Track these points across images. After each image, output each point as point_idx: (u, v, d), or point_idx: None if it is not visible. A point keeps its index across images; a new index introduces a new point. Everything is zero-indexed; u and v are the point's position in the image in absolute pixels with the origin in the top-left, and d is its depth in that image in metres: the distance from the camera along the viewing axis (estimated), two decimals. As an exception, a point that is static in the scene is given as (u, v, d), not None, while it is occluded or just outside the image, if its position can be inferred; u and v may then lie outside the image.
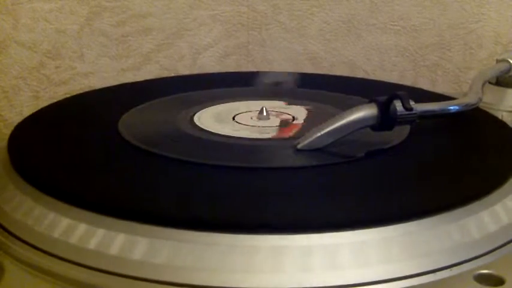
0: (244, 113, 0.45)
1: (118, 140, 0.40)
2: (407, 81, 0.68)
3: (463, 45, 0.69)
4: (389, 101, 0.37)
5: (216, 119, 0.44)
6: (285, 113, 0.45)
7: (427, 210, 0.30)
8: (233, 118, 0.44)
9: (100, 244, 0.28)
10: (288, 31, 0.67)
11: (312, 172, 0.35)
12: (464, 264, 0.29)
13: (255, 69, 0.66)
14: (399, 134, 0.40)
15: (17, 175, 0.35)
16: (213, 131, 0.41)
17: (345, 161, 0.36)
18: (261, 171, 0.35)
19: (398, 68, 0.69)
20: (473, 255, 0.29)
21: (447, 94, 0.51)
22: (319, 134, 0.37)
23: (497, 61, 0.52)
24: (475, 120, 0.44)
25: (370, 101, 0.38)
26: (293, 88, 0.53)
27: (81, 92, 0.56)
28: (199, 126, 0.42)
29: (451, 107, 0.42)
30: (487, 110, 0.47)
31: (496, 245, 0.30)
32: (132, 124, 0.42)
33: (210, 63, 0.66)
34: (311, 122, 0.43)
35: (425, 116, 0.40)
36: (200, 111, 0.46)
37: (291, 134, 0.41)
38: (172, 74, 0.65)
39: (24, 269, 0.29)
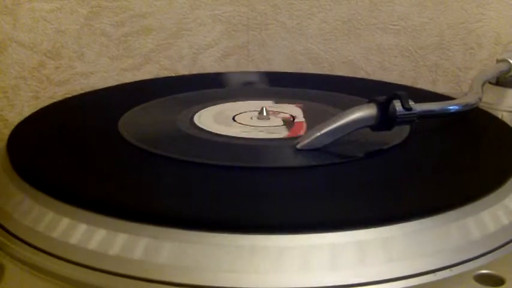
0: (244, 113, 0.45)
1: (118, 140, 0.40)
2: (407, 81, 0.68)
3: (463, 45, 0.69)
4: (389, 101, 0.37)
5: (216, 119, 0.44)
6: (285, 113, 0.45)
7: (427, 210, 0.30)
8: (233, 118, 0.44)
9: (100, 244, 0.28)
10: (288, 31, 0.67)
11: (312, 172, 0.35)
12: (464, 264, 0.29)
13: (255, 69, 0.66)
14: (399, 134, 0.40)
15: (17, 175, 0.35)
16: (213, 131, 0.41)
17: (344, 161, 0.36)
18: (261, 171, 0.35)
19: (399, 68, 0.69)
20: (473, 255, 0.29)
21: (447, 94, 0.51)
22: (318, 134, 0.37)
23: (497, 61, 0.52)
24: (475, 120, 0.44)
25: (370, 101, 0.38)
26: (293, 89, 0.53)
27: (81, 92, 0.56)
28: (199, 126, 0.42)
29: (451, 107, 0.42)
30: (487, 110, 0.47)
31: (496, 245, 0.30)
32: (132, 124, 0.42)
33: (210, 63, 0.66)
34: (312, 121, 0.43)
35: (425, 116, 0.40)
36: (200, 111, 0.46)
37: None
38: (172, 74, 0.65)
39: (24, 269, 0.29)
